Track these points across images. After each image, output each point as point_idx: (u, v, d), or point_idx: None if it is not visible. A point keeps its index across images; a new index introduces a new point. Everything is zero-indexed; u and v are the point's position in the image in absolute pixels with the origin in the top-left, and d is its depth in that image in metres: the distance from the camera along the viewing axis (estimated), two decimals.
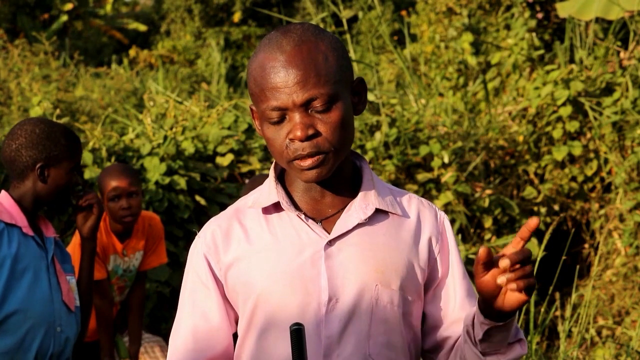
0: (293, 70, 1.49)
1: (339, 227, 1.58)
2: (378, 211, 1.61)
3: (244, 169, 5.69)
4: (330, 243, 1.57)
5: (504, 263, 1.38)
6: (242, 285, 1.59)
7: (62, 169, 2.62)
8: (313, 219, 1.60)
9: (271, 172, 1.65)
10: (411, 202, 1.66)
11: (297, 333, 1.30)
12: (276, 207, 1.61)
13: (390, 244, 1.59)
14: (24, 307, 2.48)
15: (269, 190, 1.63)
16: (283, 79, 1.49)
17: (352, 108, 1.57)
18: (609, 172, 6.42)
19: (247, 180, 4.54)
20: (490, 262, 1.42)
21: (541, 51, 7.82)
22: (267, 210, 1.62)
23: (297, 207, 1.61)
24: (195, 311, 1.63)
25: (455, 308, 1.64)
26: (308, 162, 1.51)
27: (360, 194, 1.61)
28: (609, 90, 6.57)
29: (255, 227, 1.61)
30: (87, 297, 2.75)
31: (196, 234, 1.69)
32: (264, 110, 1.53)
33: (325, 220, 1.60)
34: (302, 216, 1.59)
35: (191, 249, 1.67)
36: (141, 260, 3.88)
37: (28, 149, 2.59)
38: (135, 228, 3.79)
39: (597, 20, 7.70)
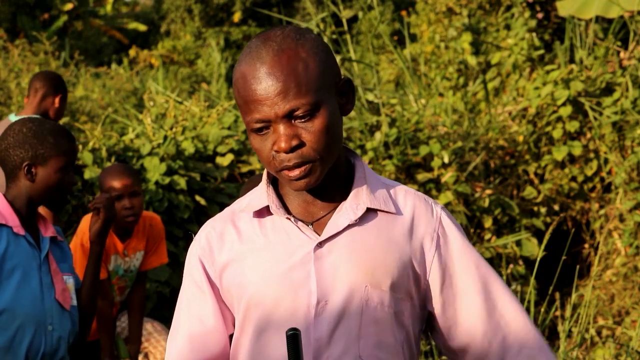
0: (273, 82, 1.48)
1: (329, 228, 1.57)
2: (370, 210, 1.59)
3: (244, 169, 5.70)
4: (321, 245, 1.56)
5: None
6: (235, 286, 1.60)
7: (50, 167, 2.59)
8: (303, 221, 1.59)
9: (264, 175, 1.65)
10: (407, 197, 1.64)
11: (293, 338, 1.30)
12: (269, 210, 1.61)
13: (381, 244, 1.58)
14: (12, 306, 2.48)
15: (261, 194, 1.63)
16: (264, 91, 1.48)
17: (339, 109, 1.56)
18: (609, 172, 6.43)
19: (246, 181, 4.55)
20: None
21: (541, 51, 7.82)
22: (259, 214, 1.62)
23: (288, 210, 1.61)
24: (191, 314, 1.64)
25: (481, 314, 1.60)
26: (295, 173, 1.51)
27: (352, 194, 1.60)
28: (609, 90, 6.58)
29: (248, 230, 1.62)
30: (92, 300, 2.74)
31: (193, 235, 1.70)
32: (248, 122, 1.53)
33: (317, 222, 1.60)
34: (292, 219, 1.59)
35: (188, 253, 1.69)
36: (142, 260, 3.88)
37: (15, 148, 2.59)
38: (136, 228, 3.79)
39: (597, 20, 7.71)
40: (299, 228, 1.57)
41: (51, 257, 2.63)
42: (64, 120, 5.28)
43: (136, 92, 11.18)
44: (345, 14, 7.30)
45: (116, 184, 3.63)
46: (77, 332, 2.67)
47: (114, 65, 14.28)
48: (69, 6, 19.50)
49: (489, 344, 1.61)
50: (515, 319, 1.62)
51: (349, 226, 1.57)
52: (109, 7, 22.15)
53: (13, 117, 4.45)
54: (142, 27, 21.78)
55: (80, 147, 5.50)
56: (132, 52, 17.80)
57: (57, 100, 4.41)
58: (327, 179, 1.57)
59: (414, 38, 11.84)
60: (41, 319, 2.53)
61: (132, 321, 3.87)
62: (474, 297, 1.61)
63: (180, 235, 5.09)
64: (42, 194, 2.61)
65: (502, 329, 1.61)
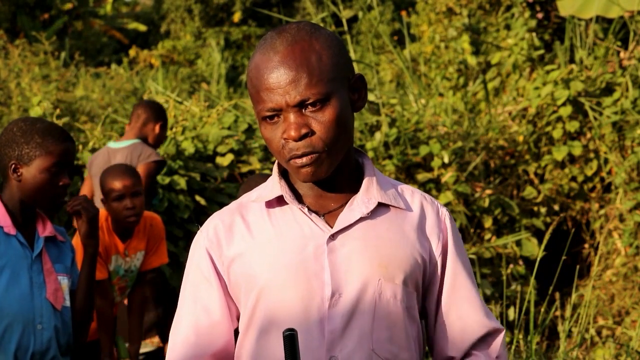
0: (285, 70, 1.50)
1: (342, 220, 1.58)
2: (381, 205, 1.61)
3: (244, 169, 5.70)
4: (333, 237, 1.57)
5: None
6: (244, 278, 1.59)
7: (34, 167, 2.55)
8: (316, 213, 1.60)
9: (275, 168, 1.66)
10: (414, 196, 1.66)
11: (290, 338, 1.31)
12: (279, 201, 1.62)
13: (393, 237, 1.60)
14: (0, 306, 2.48)
15: (272, 185, 1.63)
16: (276, 79, 1.51)
17: (351, 105, 1.58)
18: (609, 172, 6.43)
19: (245, 180, 4.55)
20: None
21: (541, 51, 7.82)
22: (270, 204, 1.62)
23: (300, 201, 1.62)
24: (197, 305, 1.63)
25: (468, 319, 1.64)
26: (303, 160, 1.53)
27: (363, 188, 1.61)
28: (609, 90, 6.58)
29: (258, 221, 1.61)
30: (87, 301, 2.72)
31: (198, 229, 1.69)
32: (260, 111, 1.55)
33: (328, 215, 1.60)
34: (305, 210, 1.59)
35: (193, 244, 1.67)
36: (142, 260, 3.88)
37: (5, 148, 2.57)
38: (136, 228, 3.79)
39: (597, 20, 7.71)
40: (311, 220, 1.58)
41: (46, 256, 2.61)
42: (63, 121, 5.27)
43: (136, 92, 11.18)
44: (345, 14, 7.30)
45: (117, 184, 3.63)
46: (71, 334, 2.66)
47: (113, 65, 14.27)
48: (69, 6, 19.51)
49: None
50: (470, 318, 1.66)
51: (361, 219, 1.59)
52: (109, 7, 22.15)
53: (112, 144, 4.54)
54: (142, 27, 21.78)
55: (80, 147, 5.50)
56: (132, 52, 17.80)
57: (157, 127, 4.62)
58: (338, 173, 1.59)
59: (414, 38, 11.84)
60: (30, 318, 2.52)
61: (132, 322, 3.87)
62: (462, 301, 1.65)
63: (180, 235, 5.09)
64: (30, 195, 2.57)
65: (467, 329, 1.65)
